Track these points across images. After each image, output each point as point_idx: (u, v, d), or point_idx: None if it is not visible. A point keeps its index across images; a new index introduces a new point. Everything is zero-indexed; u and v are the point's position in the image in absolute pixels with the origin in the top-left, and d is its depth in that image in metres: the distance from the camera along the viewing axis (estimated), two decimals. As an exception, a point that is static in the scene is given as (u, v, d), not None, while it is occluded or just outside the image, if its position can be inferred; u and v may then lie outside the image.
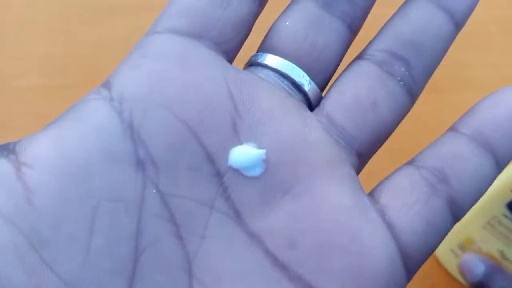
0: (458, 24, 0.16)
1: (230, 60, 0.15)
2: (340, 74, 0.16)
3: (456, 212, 0.15)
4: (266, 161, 0.13)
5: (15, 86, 0.37)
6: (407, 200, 0.14)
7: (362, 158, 0.15)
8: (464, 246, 0.31)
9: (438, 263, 0.33)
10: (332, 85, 0.16)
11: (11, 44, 0.38)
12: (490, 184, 0.15)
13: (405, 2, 0.16)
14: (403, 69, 0.15)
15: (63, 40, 0.39)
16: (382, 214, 0.14)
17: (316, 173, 0.14)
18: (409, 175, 0.15)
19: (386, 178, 0.15)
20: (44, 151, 0.12)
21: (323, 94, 0.16)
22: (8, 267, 0.11)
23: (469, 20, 0.46)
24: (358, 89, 0.15)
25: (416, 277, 0.31)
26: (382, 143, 0.16)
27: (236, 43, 0.15)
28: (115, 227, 0.12)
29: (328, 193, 0.14)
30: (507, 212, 0.28)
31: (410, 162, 0.15)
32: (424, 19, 0.16)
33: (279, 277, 0.13)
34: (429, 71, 0.16)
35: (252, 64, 0.15)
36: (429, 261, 0.35)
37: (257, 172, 0.13)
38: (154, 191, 0.13)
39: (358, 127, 0.15)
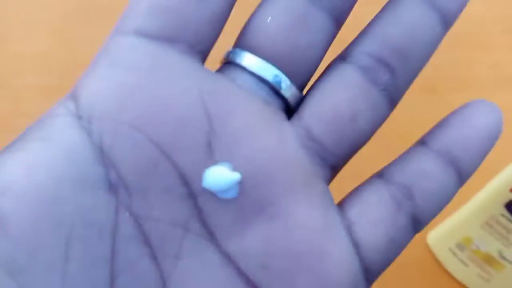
0: (447, 26, 0.16)
1: (204, 58, 0.14)
2: (321, 76, 0.15)
3: (416, 227, 0.15)
4: (240, 184, 0.13)
5: (14, 86, 0.37)
6: (373, 217, 0.14)
7: (335, 169, 0.15)
8: (462, 246, 0.31)
9: (437, 262, 0.33)
10: (312, 89, 0.15)
11: (10, 44, 0.38)
12: (451, 200, 0.16)
13: (395, 0, 0.15)
14: (387, 78, 0.15)
15: (62, 40, 0.39)
16: (350, 230, 0.14)
17: (290, 194, 0.14)
18: (378, 190, 0.15)
19: (357, 191, 0.15)
20: (15, 179, 0.12)
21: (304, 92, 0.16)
22: None
23: (467, 20, 0.46)
24: (339, 101, 0.15)
25: (415, 276, 0.31)
26: (357, 152, 0.16)
27: (211, 42, 0.14)
28: (90, 252, 0.12)
29: (301, 215, 0.14)
30: (505, 212, 0.28)
31: (379, 175, 0.16)
32: (416, 21, 0.15)
33: None
34: (412, 78, 0.16)
35: (228, 62, 0.15)
36: (428, 260, 0.35)
37: (231, 194, 0.13)
38: (127, 214, 0.13)
39: (336, 142, 0.15)
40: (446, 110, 0.39)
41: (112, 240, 0.12)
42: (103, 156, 0.12)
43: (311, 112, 0.14)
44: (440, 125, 0.16)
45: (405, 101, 0.40)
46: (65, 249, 0.12)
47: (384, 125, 0.17)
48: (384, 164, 0.17)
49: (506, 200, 0.27)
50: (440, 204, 0.15)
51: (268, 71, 0.14)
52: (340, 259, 0.14)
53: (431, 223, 0.20)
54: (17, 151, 0.13)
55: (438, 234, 0.32)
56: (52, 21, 0.39)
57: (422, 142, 0.16)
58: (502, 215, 0.28)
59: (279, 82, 0.14)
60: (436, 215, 0.15)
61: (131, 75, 0.13)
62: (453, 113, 0.16)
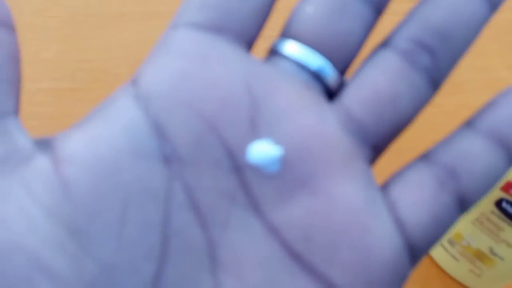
0: (494, 8, 0.15)
1: (250, 47, 0.15)
2: (363, 63, 0.16)
3: (463, 206, 0.15)
4: (282, 159, 0.14)
5: (27, 89, 0.38)
6: (416, 196, 0.14)
7: (378, 150, 0.15)
8: (453, 241, 0.31)
9: (429, 257, 0.34)
10: (353, 75, 0.15)
11: (22, 49, 0.39)
12: (501, 179, 0.15)
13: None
14: (428, 60, 0.15)
15: (73, 45, 0.40)
16: (392, 208, 0.14)
17: (332, 170, 0.14)
18: (421, 171, 0.15)
19: (400, 172, 0.15)
20: (79, 149, 0.13)
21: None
22: (51, 255, 0.12)
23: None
24: (379, 83, 0.15)
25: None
26: (400, 133, 0.16)
27: (256, 31, 0.15)
28: (144, 217, 0.13)
29: (342, 190, 0.14)
30: (495, 210, 0.28)
31: (423, 157, 0.15)
32: (459, 3, 0.15)
33: (293, 266, 0.14)
34: (456, 60, 0.15)
35: (273, 51, 0.15)
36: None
37: (274, 169, 0.14)
38: (179, 184, 0.13)
39: (376, 122, 0.15)
40: (437, 113, 0.40)
41: (165, 206, 0.13)
42: (158, 131, 0.13)
43: (351, 95, 0.15)
44: (488, 106, 0.15)
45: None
46: (122, 213, 0.13)
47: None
48: (384, 163, 0.17)
49: (496, 198, 0.28)
50: (488, 183, 0.15)
51: (312, 59, 0.15)
52: (383, 235, 0.14)
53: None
54: (80, 126, 0.14)
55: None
56: (62, 28, 0.40)
57: (469, 123, 0.15)
58: (492, 213, 0.28)
59: (323, 70, 0.15)
60: (485, 194, 0.15)
61: (184, 61, 0.14)
62: (501, 94, 0.15)
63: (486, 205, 0.28)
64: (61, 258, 0.12)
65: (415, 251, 0.15)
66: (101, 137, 0.13)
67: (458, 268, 0.32)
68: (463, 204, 0.15)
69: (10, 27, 0.14)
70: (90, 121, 0.14)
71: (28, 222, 0.12)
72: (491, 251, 0.30)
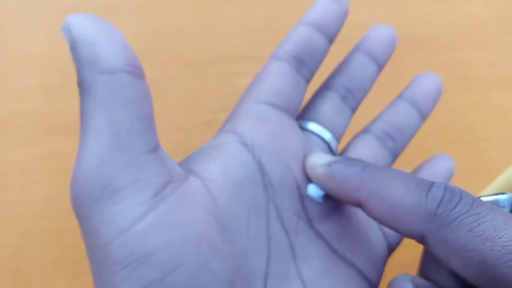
0: (424, 118, 0.28)
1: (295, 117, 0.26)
2: (352, 140, 0.27)
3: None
4: (324, 195, 0.23)
5: (14, 86, 0.37)
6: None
7: None
8: None
9: None
10: (347, 147, 0.27)
11: (10, 44, 0.38)
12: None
13: (393, 101, 0.28)
14: (392, 144, 0.27)
15: (62, 40, 0.39)
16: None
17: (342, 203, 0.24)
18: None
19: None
20: (218, 175, 0.20)
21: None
22: (218, 239, 0.19)
23: (468, 20, 0.45)
24: (366, 153, 0.26)
25: (404, 262, 0.31)
26: None
27: (299, 109, 0.25)
28: (258, 223, 0.21)
29: (356, 213, 0.24)
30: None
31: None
32: (406, 114, 0.27)
33: (333, 257, 0.22)
34: (405, 145, 0.28)
35: (300, 127, 0.26)
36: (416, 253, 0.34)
37: (319, 199, 0.23)
38: (272, 204, 0.22)
39: None
40: (446, 110, 0.39)
41: (266, 218, 0.21)
42: (261, 168, 0.22)
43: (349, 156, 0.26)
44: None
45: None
46: (247, 218, 0.21)
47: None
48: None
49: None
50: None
51: (324, 131, 0.26)
52: (377, 237, 0.25)
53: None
54: (211, 160, 0.21)
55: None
56: (52, 22, 0.39)
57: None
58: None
59: (329, 137, 0.26)
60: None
61: (270, 126, 0.23)
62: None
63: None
64: (220, 242, 0.19)
65: (391, 245, 0.25)
66: (230, 168, 0.21)
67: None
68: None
69: (133, 70, 0.19)
70: (216, 158, 0.21)
71: (202, 219, 0.19)
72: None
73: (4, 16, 0.39)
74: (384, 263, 0.24)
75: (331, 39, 0.26)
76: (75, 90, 0.37)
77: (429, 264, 0.21)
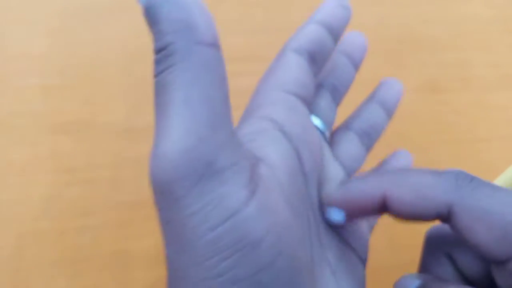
0: (389, 118, 0.30)
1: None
2: (338, 137, 0.29)
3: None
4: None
5: (14, 86, 0.37)
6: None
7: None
8: None
9: None
10: (333, 142, 0.28)
11: (10, 44, 0.38)
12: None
13: (366, 102, 0.29)
14: (367, 140, 0.29)
15: (62, 40, 0.39)
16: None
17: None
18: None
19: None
20: (277, 160, 0.20)
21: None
22: (297, 231, 0.19)
23: (468, 20, 0.45)
24: (350, 150, 0.28)
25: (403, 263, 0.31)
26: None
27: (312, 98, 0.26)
28: (302, 201, 0.21)
29: (362, 225, 0.26)
30: None
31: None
32: (377, 114, 0.29)
33: (340, 243, 0.23)
34: (376, 141, 0.29)
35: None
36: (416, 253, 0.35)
37: (343, 220, 0.23)
38: (307, 193, 0.22)
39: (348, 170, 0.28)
40: (446, 109, 0.39)
41: (306, 206, 0.22)
42: (298, 156, 0.22)
43: (336, 153, 0.28)
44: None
45: (406, 100, 0.39)
46: (299, 207, 0.21)
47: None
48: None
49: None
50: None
51: (323, 128, 0.27)
52: (364, 229, 0.26)
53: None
54: (265, 147, 0.21)
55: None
56: (51, 22, 0.39)
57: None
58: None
59: (326, 132, 0.27)
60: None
61: (299, 116, 0.23)
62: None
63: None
64: (290, 217, 0.19)
65: (371, 223, 0.27)
66: (284, 155, 0.21)
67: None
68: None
69: (219, 47, 0.18)
70: (263, 142, 0.21)
71: (284, 205, 0.19)
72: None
73: (4, 16, 0.39)
74: (368, 241, 0.26)
75: (336, 41, 0.26)
76: (75, 90, 0.37)
77: (430, 260, 0.22)
